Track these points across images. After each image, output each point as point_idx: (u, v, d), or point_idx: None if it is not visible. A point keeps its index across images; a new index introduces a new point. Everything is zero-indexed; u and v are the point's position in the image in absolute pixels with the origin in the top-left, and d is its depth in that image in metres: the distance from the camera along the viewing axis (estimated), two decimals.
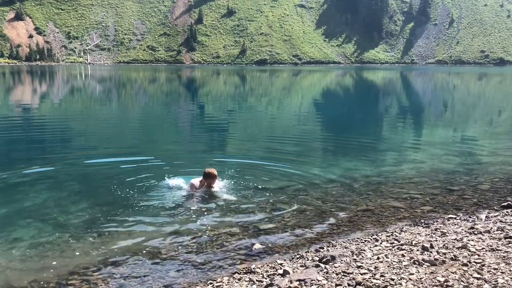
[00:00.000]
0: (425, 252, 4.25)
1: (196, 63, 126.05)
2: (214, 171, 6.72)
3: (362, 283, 3.52)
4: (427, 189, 7.16)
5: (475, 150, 10.84)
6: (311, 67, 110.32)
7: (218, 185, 6.88)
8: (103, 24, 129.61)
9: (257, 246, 4.91)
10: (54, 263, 4.46)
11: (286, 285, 3.62)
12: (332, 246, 4.81)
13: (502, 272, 3.60)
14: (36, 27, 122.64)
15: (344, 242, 4.91)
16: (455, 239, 4.64)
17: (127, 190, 6.90)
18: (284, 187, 7.17)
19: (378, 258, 4.15)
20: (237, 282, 3.94)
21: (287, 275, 3.89)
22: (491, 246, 4.32)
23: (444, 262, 3.91)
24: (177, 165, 8.45)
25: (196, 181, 6.84)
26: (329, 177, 7.83)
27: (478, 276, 3.54)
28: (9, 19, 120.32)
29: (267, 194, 6.78)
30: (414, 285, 3.43)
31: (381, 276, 3.67)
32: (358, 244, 4.75)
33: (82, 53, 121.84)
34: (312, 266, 4.05)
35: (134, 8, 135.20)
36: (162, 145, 11.53)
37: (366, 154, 9.90)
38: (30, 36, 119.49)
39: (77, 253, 4.70)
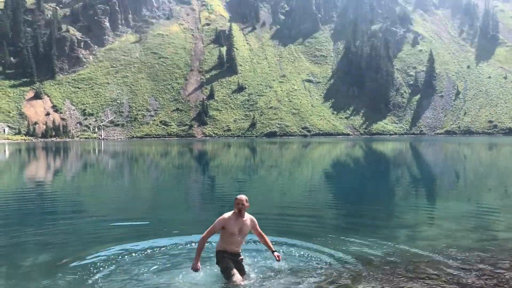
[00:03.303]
0: None
1: (208, 136, 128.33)
2: (243, 196, 6.40)
3: None
4: (443, 268, 6.91)
5: (491, 224, 10.57)
6: (320, 139, 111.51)
7: (250, 217, 6.53)
8: (117, 101, 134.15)
9: None
10: None
11: None
12: None
13: None
14: (54, 105, 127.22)
15: None
16: None
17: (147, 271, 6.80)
18: (293, 267, 6.98)
19: None
20: None
21: None
22: None
23: None
24: (187, 238, 8.35)
25: (226, 214, 6.46)
26: (340, 256, 7.63)
27: None
28: (28, 98, 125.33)
29: (273, 275, 6.61)
30: None
31: None
32: None
33: (96, 129, 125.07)
34: None
35: (148, 86, 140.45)
36: (172, 218, 11.41)
37: (378, 231, 9.70)
38: (47, 114, 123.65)
39: None
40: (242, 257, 6.60)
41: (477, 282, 6.22)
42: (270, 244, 6.71)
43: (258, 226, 6.62)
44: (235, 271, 6.27)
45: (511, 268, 6.91)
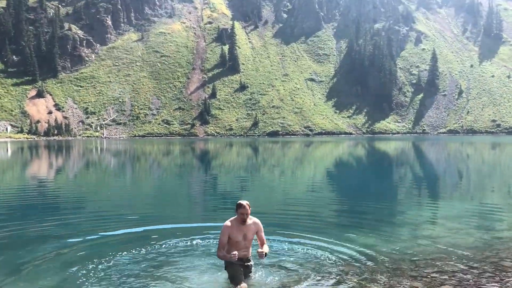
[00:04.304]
0: None
1: (210, 135, 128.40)
2: (246, 204, 6.28)
3: None
4: (446, 267, 6.91)
5: (493, 224, 10.55)
6: (323, 138, 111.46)
7: (254, 220, 6.39)
8: (120, 100, 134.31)
9: None
10: None
11: None
12: None
13: None
14: (56, 104, 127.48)
15: None
16: None
17: (147, 262, 6.82)
18: (295, 266, 6.99)
19: None
20: None
21: None
22: None
23: None
24: (189, 233, 8.37)
25: (228, 221, 6.35)
26: (343, 255, 7.64)
27: None
28: (31, 97, 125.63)
29: (275, 272, 6.61)
30: None
31: None
32: None
33: (98, 128, 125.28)
34: None
35: (150, 85, 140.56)
36: (174, 216, 11.43)
37: (381, 229, 9.70)
38: (50, 112, 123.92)
39: None
40: (251, 262, 6.48)
41: (479, 281, 6.22)
42: (264, 246, 6.43)
43: (262, 232, 6.47)
44: (241, 278, 6.13)
45: None
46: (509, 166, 30.31)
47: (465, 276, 6.42)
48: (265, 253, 6.24)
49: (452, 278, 6.36)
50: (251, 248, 6.42)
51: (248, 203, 6.26)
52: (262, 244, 6.43)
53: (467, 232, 9.48)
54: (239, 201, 6.33)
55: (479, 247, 8.15)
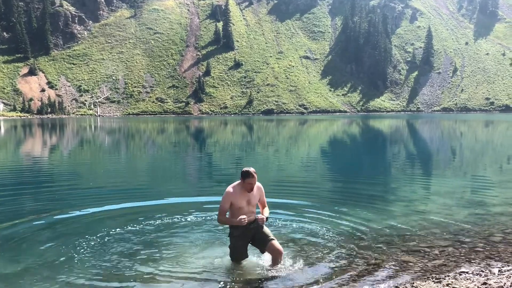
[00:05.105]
0: None
1: (204, 113, 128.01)
2: (254, 172, 5.82)
3: None
4: (437, 241, 7.02)
5: (485, 199, 10.69)
6: (318, 116, 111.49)
7: (257, 185, 5.97)
8: (113, 78, 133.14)
9: None
10: None
11: None
12: None
13: None
14: (49, 81, 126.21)
15: None
16: None
17: (143, 237, 6.88)
18: (290, 240, 7.07)
19: None
20: None
21: None
22: None
23: None
24: (183, 208, 8.43)
25: (230, 187, 5.88)
26: (336, 229, 7.73)
27: None
28: (23, 74, 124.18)
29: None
30: None
31: None
32: None
33: (92, 106, 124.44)
34: None
35: (143, 62, 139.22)
36: (168, 191, 11.47)
37: (374, 205, 9.80)
38: (42, 90, 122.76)
39: None
40: (257, 217, 5.88)
41: (470, 255, 6.33)
42: (265, 209, 6.07)
43: (264, 196, 6.14)
44: (243, 255, 5.95)
45: (503, 240, 7.02)
46: (501, 144, 30.56)
47: (456, 251, 6.53)
48: (266, 218, 5.93)
49: (443, 252, 6.47)
50: (255, 213, 6.02)
51: (254, 170, 5.84)
52: (263, 207, 6.12)
53: (458, 208, 9.61)
54: (246, 169, 5.83)
55: (470, 222, 8.27)
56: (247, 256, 6.03)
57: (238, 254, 5.94)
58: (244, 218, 5.64)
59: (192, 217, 8.56)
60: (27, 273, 5.76)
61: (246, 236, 5.90)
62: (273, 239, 5.89)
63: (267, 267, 5.84)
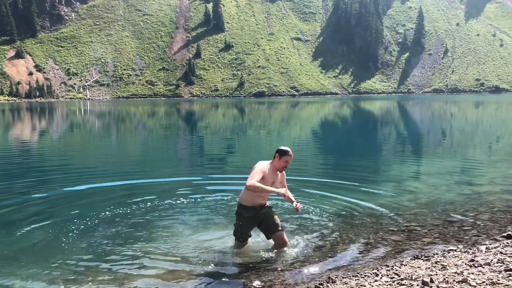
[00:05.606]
0: (425, 287, 4.19)
1: (195, 96, 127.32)
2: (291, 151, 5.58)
3: None
4: (426, 220, 7.11)
5: (474, 179, 10.82)
6: (309, 98, 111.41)
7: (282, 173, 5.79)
8: (102, 60, 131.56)
9: (256, 283, 4.84)
10: None
11: None
12: (332, 282, 4.74)
13: None
14: (36, 65, 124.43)
15: (344, 277, 4.84)
16: (456, 272, 4.58)
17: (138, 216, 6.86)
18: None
19: None
20: None
21: None
22: (491, 279, 4.26)
23: None
24: (176, 188, 8.43)
25: (264, 163, 5.61)
26: (327, 210, 7.79)
27: None
28: (9, 57, 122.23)
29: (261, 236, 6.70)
30: None
31: None
32: (358, 280, 4.68)
33: (81, 89, 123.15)
34: None
35: (133, 44, 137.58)
36: (159, 172, 11.45)
37: (364, 186, 9.88)
38: (30, 74, 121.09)
39: None
40: (267, 204, 5.86)
41: (458, 233, 6.42)
42: (291, 197, 5.66)
43: (285, 182, 5.92)
44: (246, 237, 5.86)
45: (491, 219, 7.13)
46: (491, 124, 30.82)
47: (445, 229, 6.62)
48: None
49: (432, 231, 6.56)
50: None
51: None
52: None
53: (448, 187, 9.71)
54: (284, 148, 5.61)
55: (459, 201, 8.37)
56: (250, 236, 5.96)
57: (242, 236, 5.86)
58: (285, 191, 5.45)
59: (184, 198, 8.56)
60: (13, 256, 5.73)
61: (255, 219, 5.78)
62: (282, 230, 5.86)
63: (262, 250, 5.85)
